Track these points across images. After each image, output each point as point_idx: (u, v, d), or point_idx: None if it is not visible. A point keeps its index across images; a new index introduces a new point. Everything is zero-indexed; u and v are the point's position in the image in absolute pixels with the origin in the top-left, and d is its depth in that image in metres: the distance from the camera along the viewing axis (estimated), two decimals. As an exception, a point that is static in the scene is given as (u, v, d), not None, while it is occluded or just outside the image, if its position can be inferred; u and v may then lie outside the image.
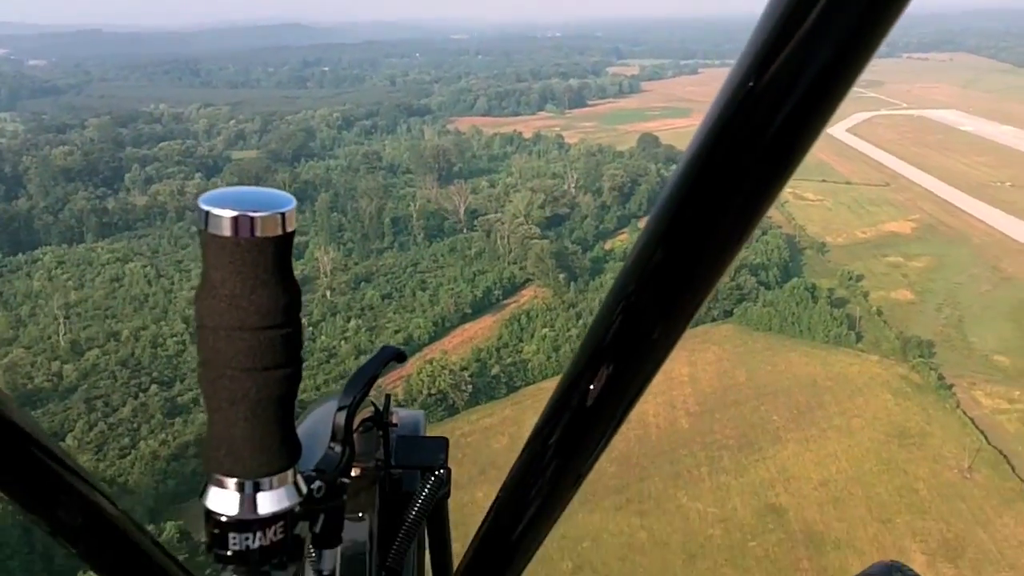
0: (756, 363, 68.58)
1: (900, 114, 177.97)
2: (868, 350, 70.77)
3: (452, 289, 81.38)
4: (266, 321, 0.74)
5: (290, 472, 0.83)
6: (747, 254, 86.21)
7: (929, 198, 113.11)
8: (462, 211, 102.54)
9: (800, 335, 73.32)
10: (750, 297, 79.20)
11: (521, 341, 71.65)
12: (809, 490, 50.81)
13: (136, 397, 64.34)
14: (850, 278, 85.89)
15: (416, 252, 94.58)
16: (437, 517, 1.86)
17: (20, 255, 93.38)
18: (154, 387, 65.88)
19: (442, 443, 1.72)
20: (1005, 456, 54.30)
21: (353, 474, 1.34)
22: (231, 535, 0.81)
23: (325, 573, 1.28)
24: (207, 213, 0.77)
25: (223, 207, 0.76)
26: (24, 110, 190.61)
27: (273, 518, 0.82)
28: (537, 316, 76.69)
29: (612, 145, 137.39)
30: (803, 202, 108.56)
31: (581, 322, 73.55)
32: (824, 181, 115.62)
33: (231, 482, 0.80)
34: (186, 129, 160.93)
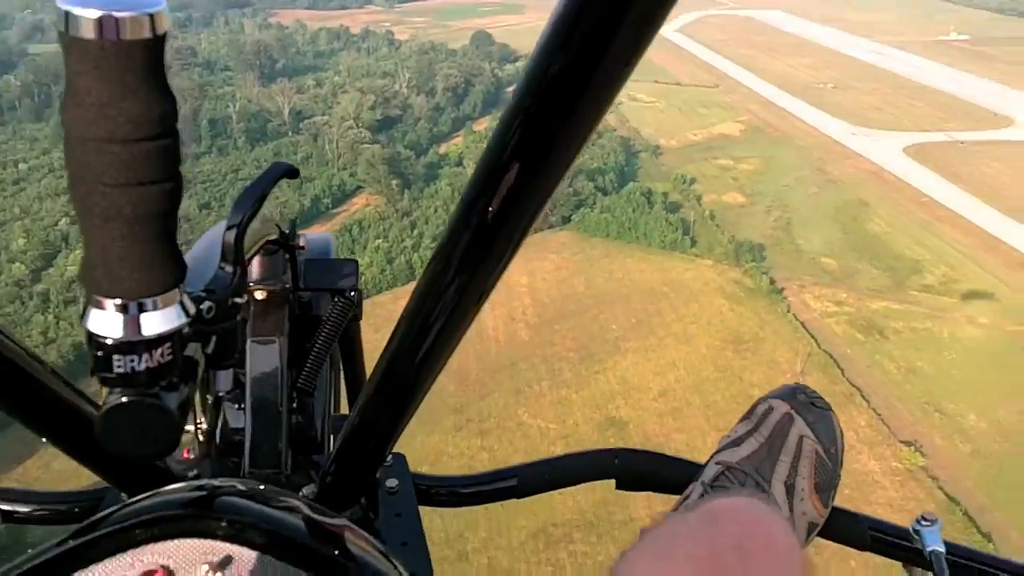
0: (594, 271, 68.00)
1: (728, 14, 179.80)
2: (703, 255, 71.23)
3: (277, 198, 76.96)
4: (139, 132, 0.70)
5: (175, 292, 0.80)
6: (584, 159, 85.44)
7: (756, 99, 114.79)
8: (286, 112, 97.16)
9: (637, 241, 73.07)
10: (587, 203, 78.38)
11: (353, 253, 68.41)
12: (648, 401, 50.79)
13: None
14: (683, 182, 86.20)
15: (237, 157, 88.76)
16: (348, 340, 1.95)
17: None
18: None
19: (352, 265, 1.70)
20: (834, 359, 55.76)
21: (259, 296, 1.44)
22: (115, 357, 0.79)
23: (222, 393, 1.34)
24: (67, 13, 0.69)
25: (85, 6, 0.68)
26: None
27: (159, 339, 0.80)
28: (370, 226, 73.68)
29: (445, 43, 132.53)
30: (636, 104, 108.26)
31: (416, 231, 71.09)
32: (656, 82, 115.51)
33: (111, 303, 0.78)
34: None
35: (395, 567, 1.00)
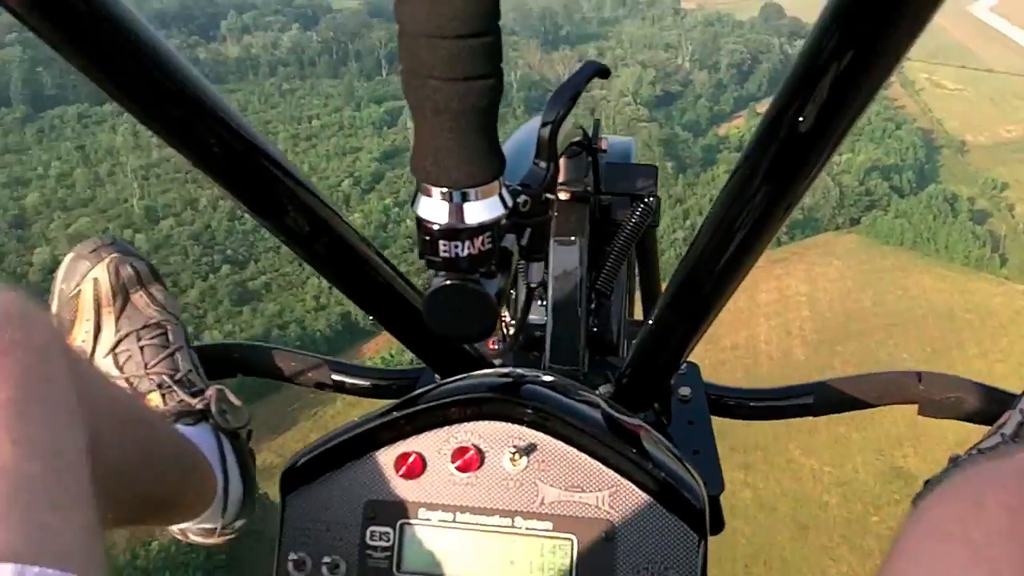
0: (885, 285, 61.36)
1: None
2: (1014, 277, 62.77)
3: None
4: (467, 28, 0.72)
5: (495, 184, 0.84)
6: (879, 154, 78.04)
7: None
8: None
9: (936, 254, 65.56)
10: (880, 204, 71.26)
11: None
12: (942, 452, 44.37)
13: (205, 279, 60.52)
14: (994, 187, 76.90)
15: (513, 127, 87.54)
16: (644, 246, 1.99)
17: (106, 105, 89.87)
18: (226, 267, 62.01)
19: (652, 171, 1.72)
20: None
21: (563, 198, 1.47)
22: (441, 242, 0.84)
23: (534, 285, 1.36)
24: None
25: None
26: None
27: (480, 228, 0.84)
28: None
29: (732, 13, 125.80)
30: (940, 91, 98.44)
31: (689, 222, 66.85)
32: (963, 68, 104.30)
33: (438, 191, 0.82)
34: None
35: (688, 471, 1.03)
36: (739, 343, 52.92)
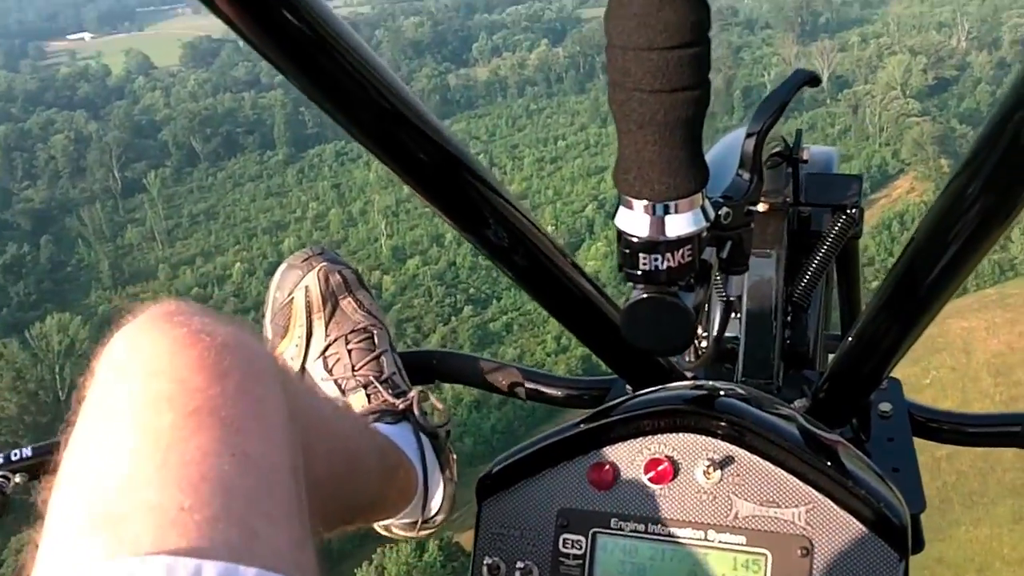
0: None
1: None
2: None
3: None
4: (674, 40, 0.72)
5: (698, 196, 0.84)
6: None
7: None
8: (825, 77, 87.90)
9: None
10: None
11: (891, 256, 58.51)
12: None
13: (447, 323, 60.18)
14: None
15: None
16: (846, 257, 1.91)
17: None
18: (467, 309, 61.43)
19: (856, 182, 1.67)
20: None
21: (761, 209, 1.41)
22: (641, 255, 0.84)
23: (731, 298, 1.35)
24: None
25: None
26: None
27: (680, 241, 0.84)
28: (914, 220, 63.00)
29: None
30: None
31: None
32: None
33: (640, 204, 0.82)
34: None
35: (889, 487, 1.01)
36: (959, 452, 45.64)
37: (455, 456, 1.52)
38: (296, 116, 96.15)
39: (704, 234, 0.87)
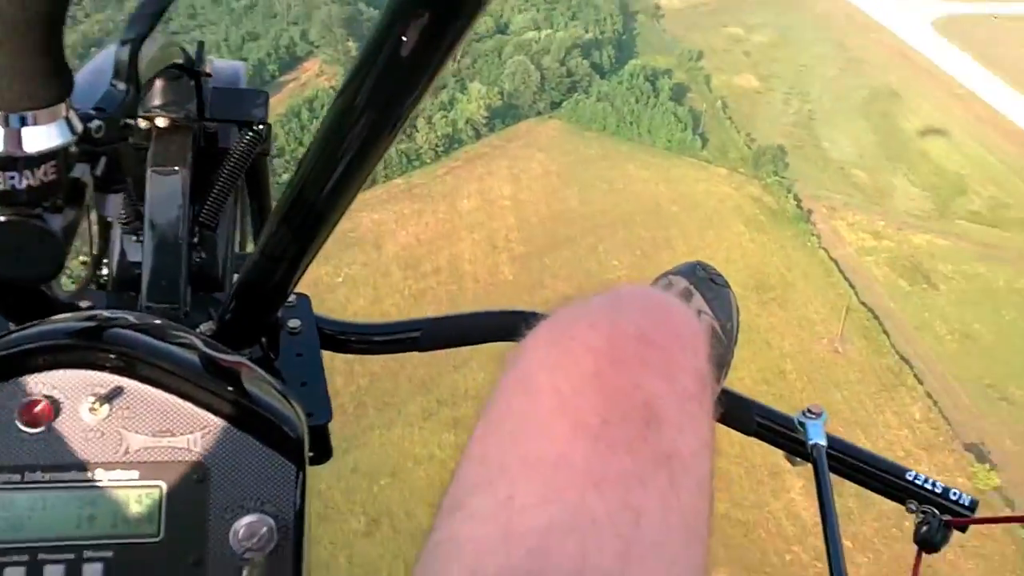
0: (590, 178, 57.87)
1: None
2: (715, 160, 61.31)
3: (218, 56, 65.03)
4: None
5: (61, 107, 0.77)
6: (578, 30, 73.71)
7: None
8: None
9: (640, 138, 62.81)
10: (582, 85, 67.43)
11: (301, 146, 57.03)
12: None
13: None
14: (690, 58, 75.06)
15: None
16: (255, 175, 1.89)
17: None
18: None
19: (263, 96, 1.62)
20: (878, 318, 47.06)
21: (161, 124, 1.38)
22: None
23: (109, 219, 1.35)
24: None
25: None
26: None
27: (42, 157, 0.78)
28: (323, 107, 62.22)
29: None
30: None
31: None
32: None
33: None
34: None
35: (291, 405, 1.01)
36: (441, 266, 47.85)
37: None
38: None
39: (73, 149, 0.81)
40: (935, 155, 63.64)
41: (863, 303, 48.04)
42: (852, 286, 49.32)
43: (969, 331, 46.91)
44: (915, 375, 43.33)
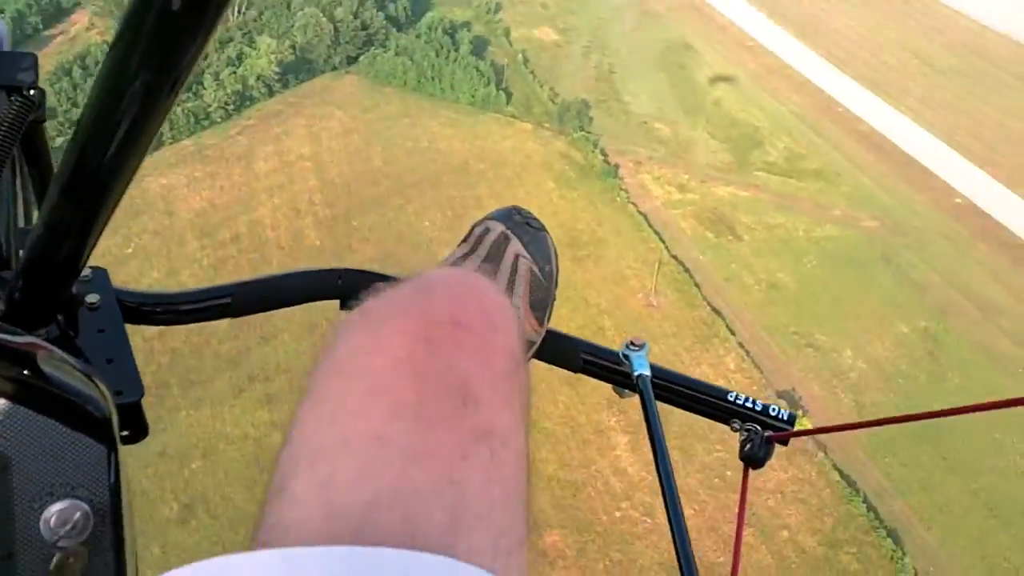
0: (393, 136, 55.22)
1: None
2: (521, 116, 60.00)
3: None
4: None
5: None
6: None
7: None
8: None
9: (442, 93, 60.67)
10: (378, 39, 64.58)
11: (75, 107, 51.55)
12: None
13: None
14: (488, 9, 73.38)
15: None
16: (32, 144, 1.82)
17: None
18: None
19: (31, 59, 1.54)
20: (688, 271, 47.22)
21: None
22: None
23: None
24: None
25: None
26: None
27: None
28: (97, 63, 56.50)
29: None
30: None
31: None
32: None
33: None
34: None
35: (95, 384, 0.97)
36: (241, 233, 44.42)
37: None
38: None
39: None
40: (731, 108, 64.81)
41: (674, 256, 48.08)
42: (662, 239, 49.31)
43: (774, 280, 47.78)
44: (727, 326, 43.69)
